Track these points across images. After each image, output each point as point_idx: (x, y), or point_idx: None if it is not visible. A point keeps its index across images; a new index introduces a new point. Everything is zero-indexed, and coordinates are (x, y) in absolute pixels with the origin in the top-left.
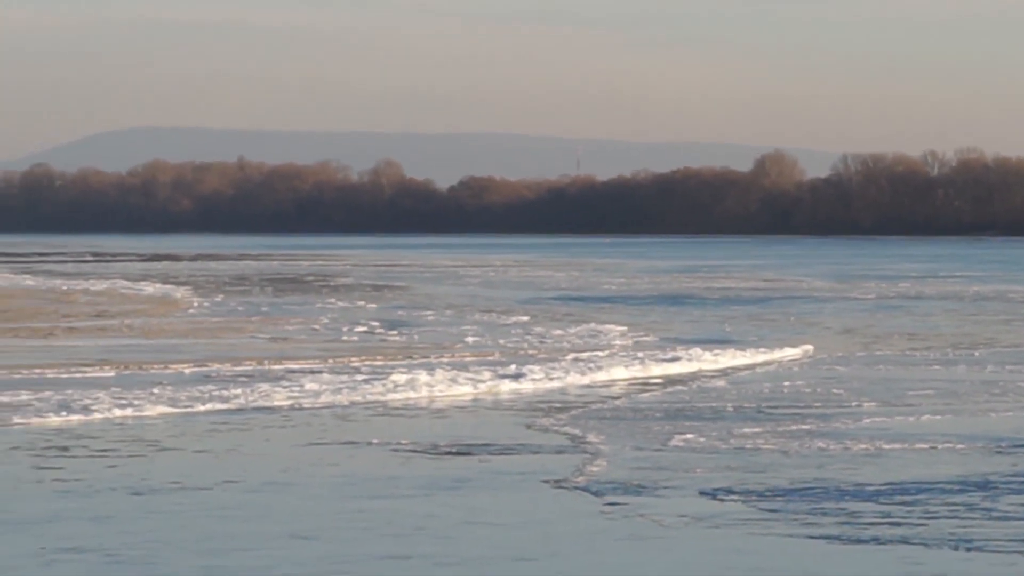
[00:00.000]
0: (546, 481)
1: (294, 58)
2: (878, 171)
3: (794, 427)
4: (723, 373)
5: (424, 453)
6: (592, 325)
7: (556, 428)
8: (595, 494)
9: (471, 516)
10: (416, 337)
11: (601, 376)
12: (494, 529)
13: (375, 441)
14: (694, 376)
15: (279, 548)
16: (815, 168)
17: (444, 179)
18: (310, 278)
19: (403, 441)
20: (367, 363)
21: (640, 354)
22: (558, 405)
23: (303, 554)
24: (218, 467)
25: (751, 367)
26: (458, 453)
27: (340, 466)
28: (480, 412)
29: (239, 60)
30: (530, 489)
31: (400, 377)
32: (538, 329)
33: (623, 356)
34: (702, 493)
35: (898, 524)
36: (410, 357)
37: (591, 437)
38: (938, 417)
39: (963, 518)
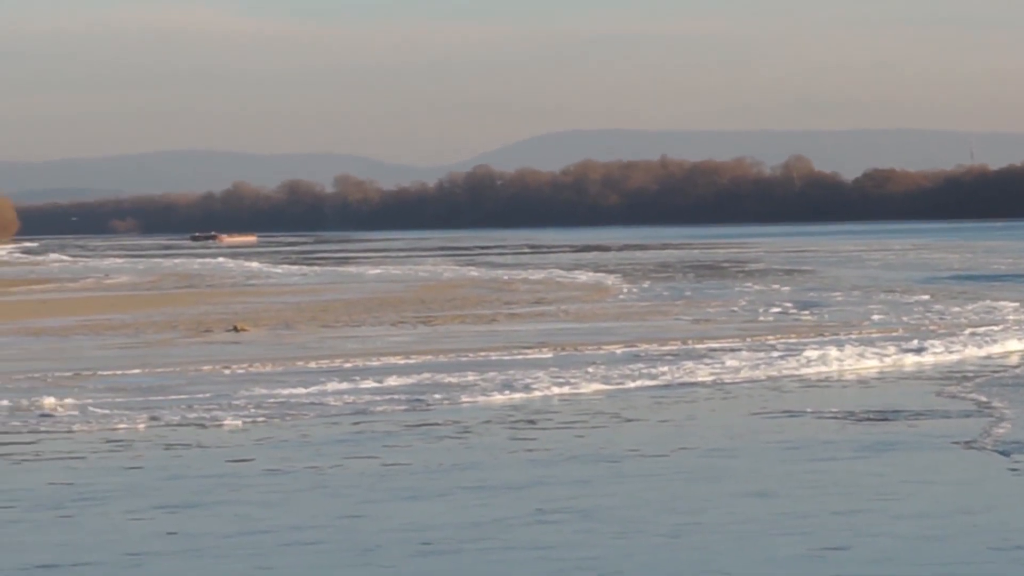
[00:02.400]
0: (957, 443)
1: (709, 64)
2: None
3: None
4: None
5: (850, 420)
6: (986, 302)
7: (962, 395)
8: (1003, 454)
9: (906, 475)
10: (826, 316)
11: (997, 348)
12: (928, 486)
13: (808, 410)
14: None
15: (741, 506)
16: None
17: (849, 172)
18: (727, 264)
19: (832, 409)
20: (782, 341)
21: None
22: (961, 375)
23: (762, 512)
24: (671, 436)
25: None
26: (880, 419)
27: (782, 432)
28: (890, 383)
29: (660, 68)
30: (946, 450)
31: (812, 353)
32: (937, 307)
33: (1017, 330)
34: None
35: None
36: (821, 334)
37: (995, 403)
38: None
39: None
